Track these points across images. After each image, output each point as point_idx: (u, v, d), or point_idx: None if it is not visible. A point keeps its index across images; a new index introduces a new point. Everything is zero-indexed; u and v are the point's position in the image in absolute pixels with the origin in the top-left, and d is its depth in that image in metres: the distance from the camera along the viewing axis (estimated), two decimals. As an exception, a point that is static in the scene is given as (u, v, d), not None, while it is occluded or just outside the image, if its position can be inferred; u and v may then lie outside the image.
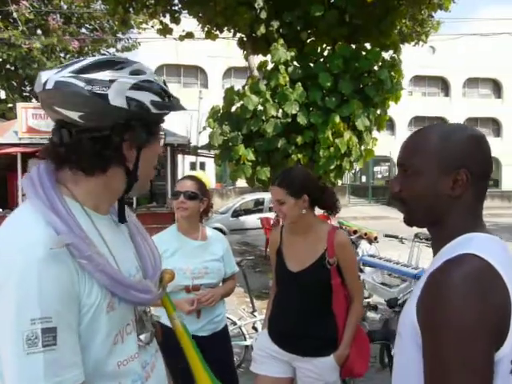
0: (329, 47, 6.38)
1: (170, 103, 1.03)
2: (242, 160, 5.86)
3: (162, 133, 1.09)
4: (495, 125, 28.44)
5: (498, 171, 27.80)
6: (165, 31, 6.81)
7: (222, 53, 21.53)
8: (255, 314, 4.06)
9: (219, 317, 2.47)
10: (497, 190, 24.28)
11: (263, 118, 5.77)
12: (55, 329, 0.82)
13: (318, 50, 6.39)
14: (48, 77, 0.92)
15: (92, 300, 0.90)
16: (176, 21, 6.75)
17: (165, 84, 1.05)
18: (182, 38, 7.01)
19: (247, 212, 12.59)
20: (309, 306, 2.16)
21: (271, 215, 10.27)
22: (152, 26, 7.02)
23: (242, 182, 8.54)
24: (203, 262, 2.40)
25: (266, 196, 12.61)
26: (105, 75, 0.93)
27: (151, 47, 11.99)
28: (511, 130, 27.99)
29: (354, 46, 6.05)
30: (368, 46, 6.17)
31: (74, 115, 0.91)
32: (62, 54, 12.07)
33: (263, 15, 5.89)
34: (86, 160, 0.94)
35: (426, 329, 0.88)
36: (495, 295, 0.85)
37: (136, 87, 0.95)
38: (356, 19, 5.87)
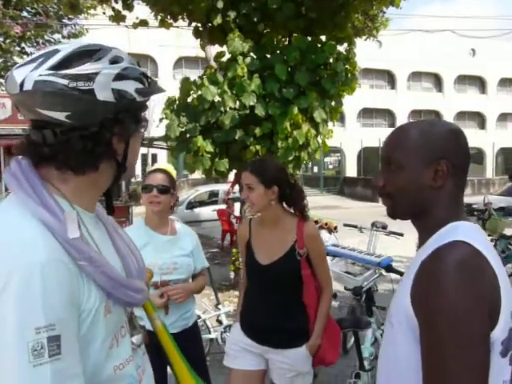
0: (285, 39, 6.41)
1: (151, 88, 0.99)
2: (201, 151, 5.79)
3: (145, 118, 1.04)
4: (437, 117, 29.83)
5: (440, 161, 29.26)
6: (117, 18, 6.56)
7: (172, 42, 21.08)
8: (219, 306, 4.07)
9: (189, 313, 2.45)
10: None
11: (221, 109, 5.72)
12: (59, 337, 0.77)
13: (275, 42, 6.39)
14: (24, 76, 0.84)
15: (91, 304, 0.87)
16: (129, 7, 6.51)
17: (138, 65, 1.00)
18: (135, 26, 6.78)
19: (202, 204, 12.57)
20: (280, 297, 2.19)
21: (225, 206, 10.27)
22: (104, 13, 6.73)
23: (195, 174, 8.44)
24: (172, 258, 2.36)
25: (221, 188, 12.59)
26: (86, 68, 0.87)
27: (100, 34, 11.47)
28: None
29: (309, 39, 6.11)
30: (323, 38, 6.25)
31: (60, 116, 0.86)
32: (1, 39, 11.34)
33: (220, 5, 5.80)
34: (75, 159, 0.89)
35: (424, 315, 0.90)
36: (486, 279, 0.89)
37: (119, 77, 0.91)
38: (312, 12, 5.92)
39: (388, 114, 28.82)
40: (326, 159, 28.04)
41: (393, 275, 3.22)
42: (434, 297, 0.88)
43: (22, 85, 0.84)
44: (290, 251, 2.17)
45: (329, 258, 3.95)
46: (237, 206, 9.99)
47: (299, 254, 2.17)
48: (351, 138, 25.05)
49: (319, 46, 5.99)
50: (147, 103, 1.02)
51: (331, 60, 5.98)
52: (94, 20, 10.70)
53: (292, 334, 2.18)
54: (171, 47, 22.07)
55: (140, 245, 2.31)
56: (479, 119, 30.87)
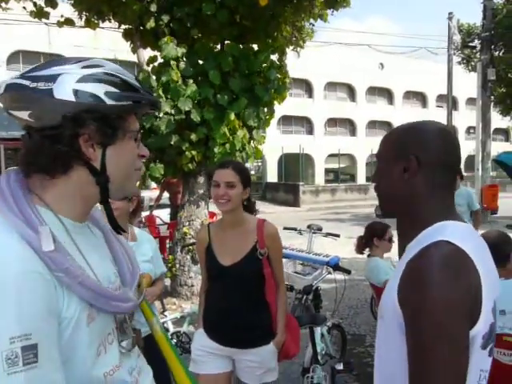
0: (218, 46, 6.47)
1: (131, 94, 0.96)
2: (135, 157, 5.64)
3: (135, 129, 1.01)
4: (351, 125, 31.67)
5: (354, 167, 31.05)
6: (39, 14, 6.17)
7: (88, 43, 20.19)
8: (165, 313, 4.00)
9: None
10: (354, 183, 27.05)
11: (156, 114, 5.62)
12: (36, 345, 0.78)
13: (207, 48, 6.43)
14: (3, 83, 0.91)
15: (71, 313, 0.87)
16: (52, 4, 6.16)
17: (137, 80, 1.01)
18: (60, 25, 6.43)
19: (126, 211, 12.03)
20: (244, 297, 2.24)
21: (153, 213, 10.03)
22: (24, 7, 6.29)
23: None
24: None
25: (146, 194, 12.26)
26: (51, 70, 0.90)
27: (17, 31, 10.64)
28: (364, 131, 31.46)
29: (242, 47, 6.23)
30: (255, 47, 6.40)
31: (24, 115, 0.90)
32: None
33: (153, 8, 5.72)
34: (43, 160, 0.91)
35: (408, 310, 0.96)
36: (468, 277, 0.94)
37: (85, 79, 0.91)
38: (245, 20, 6.05)
39: (306, 122, 29.99)
40: (248, 164, 28.45)
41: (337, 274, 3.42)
42: (417, 293, 0.93)
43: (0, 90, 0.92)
44: (252, 251, 2.23)
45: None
46: (163, 212, 9.80)
47: (260, 254, 2.23)
48: (272, 144, 25.67)
49: (252, 53, 6.13)
50: (132, 111, 1.00)
51: (264, 68, 6.15)
52: (5, 14, 9.91)
53: (258, 332, 2.23)
54: (87, 48, 21.12)
55: (100, 252, 2.25)
56: (388, 128, 33.25)
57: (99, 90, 0.92)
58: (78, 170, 0.94)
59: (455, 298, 0.91)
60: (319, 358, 2.93)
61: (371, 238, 3.56)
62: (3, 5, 7.15)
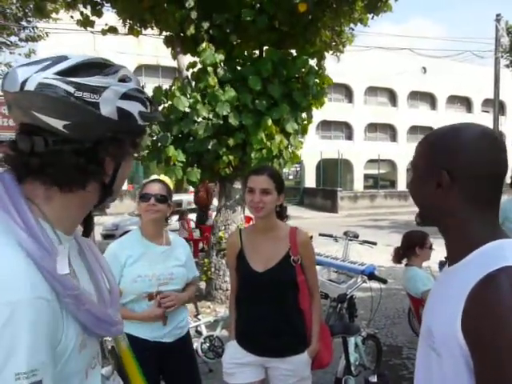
0: (256, 51, 6.51)
1: (154, 114, 0.96)
2: (172, 161, 5.74)
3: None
4: (392, 130, 31.02)
5: (395, 173, 30.37)
6: (86, 23, 6.43)
7: (132, 50, 20.86)
8: (199, 317, 4.03)
9: (183, 322, 2.45)
10: (394, 190, 26.44)
11: (194, 119, 5.71)
12: (41, 382, 0.72)
13: (246, 54, 6.48)
14: (27, 76, 0.79)
15: (68, 342, 0.81)
16: (98, 13, 6.40)
17: (143, 88, 0.99)
18: (104, 33, 6.67)
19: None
20: (278, 305, 2.21)
21: (190, 217, 10.18)
22: (71, 17, 6.56)
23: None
24: (168, 268, 2.35)
25: (184, 198, 12.46)
26: (95, 81, 0.84)
27: (62, 39, 11.16)
28: (405, 136, 30.73)
29: (281, 52, 6.24)
30: (294, 52, 6.40)
31: (58, 124, 0.80)
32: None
33: (193, 15, 5.83)
34: (64, 174, 0.83)
35: (482, 352, 0.86)
36: None
37: (126, 96, 0.88)
38: (284, 26, 6.05)
39: (345, 127, 29.64)
40: (285, 170, 28.43)
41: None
42: (494, 331, 0.84)
43: (23, 84, 0.79)
44: (285, 258, 2.21)
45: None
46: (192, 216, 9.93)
47: (294, 261, 2.21)
48: (310, 149, 25.54)
49: (290, 59, 6.13)
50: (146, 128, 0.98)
51: (302, 73, 6.13)
52: (56, 24, 10.39)
53: (293, 340, 2.21)
54: (131, 55, 21.80)
55: (136, 255, 2.30)
56: (430, 133, 32.30)
57: (135, 109, 0.89)
58: (92, 184, 0.89)
59: None
60: (352, 368, 2.87)
61: (412, 247, 3.46)
62: (54, 15, 7.52)
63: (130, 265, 2.25)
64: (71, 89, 0.80)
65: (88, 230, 1.00)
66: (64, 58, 0.84)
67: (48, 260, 0.77)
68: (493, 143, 0.99)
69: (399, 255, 3.55)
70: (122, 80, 0.89)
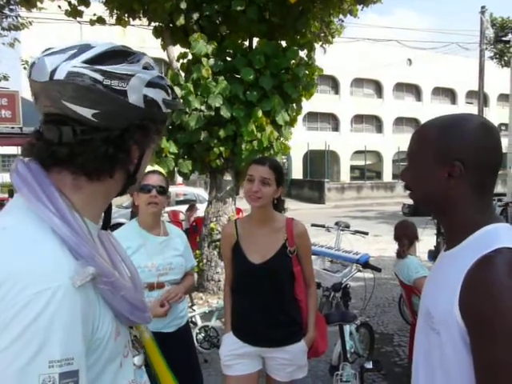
0: (246, 42, 6.48)
1: (175, 101, 0.96)
2: (164, 153, 5.72)
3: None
4: (378, 122, 31.22)
5: (380, 164, 30.63)
6: (73, 13, 6.32)
7: (118, 41, 20.55)
8: (193, 308, 4.05)
9: (183, 312, 2.47)
10: (380, 181, 26.69)
11: (186, 110, 5.69)
12: (77, 372, 0.70)
13: (236, 45, 6.45)
14: (56, 65, 0.78)
15: (104, 331, 0.80)
16: (85, 3, 6.30)
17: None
18: (92, 23, 6.57)
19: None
20: (275, 295, 2.23)
21: (179, 208, 10.15)
22: (59, 6, 6.44)
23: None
24: (167, 258, 2.36)
25: (173, 190, 12.43)
26: (122, 69, 0.83)
27: (48, 29, 10.94)
28: (390, 128, 30.96)
29: (272, 43, 6.22)
30: (284, 43, 6.39)
31: (87, 113, 0.80)
32: None
33: (183, 6, 5.78)
34: (93, 163, 0.82)
35: (478, 328, 0.90)
36: None
37: (151, 84, 0.87)
38: (275, 17, 6.04)
39: (332, 118, 29.73)
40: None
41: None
42: (487, 304, 0.88)
43: (52, 73, 0.78)
44: (282, 249, 2.22)
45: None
46: (183, 208, 9.87)
47: (290, 252, 2.23)
48: (297, 140, 25.58)
49: (281, 50, 6.12)
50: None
51: (293, 65, 6.13)
52: (39, 13, 10.17)
53: (290, 330, 2.23)
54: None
55: (135, 246, 2.30)
56: (416, 125, 32.64)
57: (159, 96, 0.89)
58: (119, 172, 0.88)
59: None
60: (348, 355, 2.93)
61: (409, 238, 3.49)
62: (39, 4, 7.35)
63: (129, 256, 2.25)
64: (100, 77, 0.80)
65: (108, 220, 0.99)
66: (88, 47, 0.83)
67: (83, 246, 0.76)
68: (495, 134, 1.04)
69: (404, 249, 3.53)
70: (146, 68, 0.88)
